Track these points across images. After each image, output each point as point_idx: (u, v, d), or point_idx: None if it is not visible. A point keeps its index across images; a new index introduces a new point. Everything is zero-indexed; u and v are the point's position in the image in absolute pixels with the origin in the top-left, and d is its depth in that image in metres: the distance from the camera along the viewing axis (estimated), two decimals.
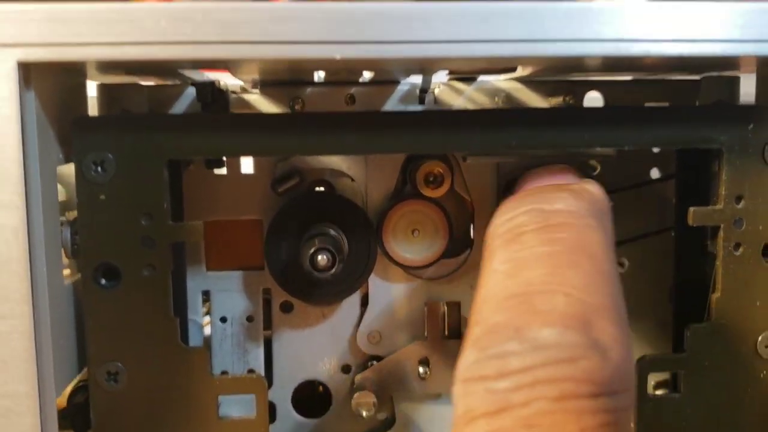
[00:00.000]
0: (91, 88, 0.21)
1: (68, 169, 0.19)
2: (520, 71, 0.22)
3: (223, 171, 0.23)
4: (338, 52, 0.16)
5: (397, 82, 0.23)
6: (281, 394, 0.23)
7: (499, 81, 0.23)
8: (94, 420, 0.19)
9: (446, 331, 0.23)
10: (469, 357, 0.15)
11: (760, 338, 0.20)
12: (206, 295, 0.23)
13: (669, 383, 0.23)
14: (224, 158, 0.22)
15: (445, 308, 0.23)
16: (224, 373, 0.23)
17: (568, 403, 0.13)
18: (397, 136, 0.19)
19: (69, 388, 0.20)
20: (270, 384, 0.23)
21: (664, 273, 0.23)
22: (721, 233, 0.20)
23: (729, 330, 0.20)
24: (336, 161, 0.23)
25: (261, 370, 0.23)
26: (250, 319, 0.23)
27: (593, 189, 0.18)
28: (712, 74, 0.22)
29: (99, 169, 0.18)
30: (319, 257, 0.20)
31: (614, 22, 0.16)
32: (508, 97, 0.23)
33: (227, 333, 0.23)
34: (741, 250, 0.20)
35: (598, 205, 0.17)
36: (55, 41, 0.16)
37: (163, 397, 0.18)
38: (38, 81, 0.17)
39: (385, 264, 0.23)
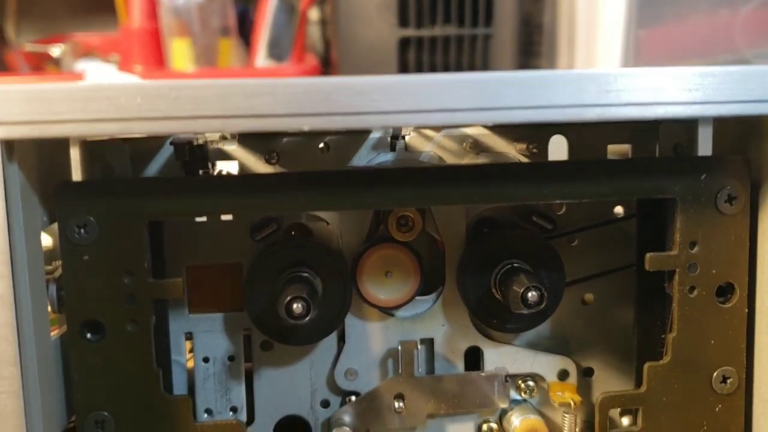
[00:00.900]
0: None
1: (52, 233, 0.19)
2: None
3: (203, 218, 0.23)
4: (306, 124, 0.17)
5: (369, 132, 0.23)
6: (263, 430, 0.24)
7: (468, 129, 0.24)
8: None
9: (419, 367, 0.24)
10: None
11: (714, 375, 0.21)
12: (189, 335, 0.24)
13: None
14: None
15: (419, 345, 0.24)
16: (208, 410, 0.23)
17: None
18: (367, 193, 0.20)
19: None
20: (252, 420, 0.24)
21: (629, 308, 0.24)
22: (676, 277, 0.21)
23: (685, 367, 0.21)
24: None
25: (243, 407, 0.24)
26: (231, 358, 0.24)
27: None
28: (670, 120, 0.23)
29: (82, 231, 0.19)
30: (294, 305, 0.20)
31: (568, 90, 0.17)
32: (476, 143, 0.24)
33: (210, 372, 0.24)
34: (695, 292, 0.21)
35: None
36: (36, 119, 0.16)
37: None
38: (21, 154, 0.17)
39: (361, 304, 0.23)
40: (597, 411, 0.21)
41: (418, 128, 0.21)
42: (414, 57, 0.69)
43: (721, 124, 0.22)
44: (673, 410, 0.21)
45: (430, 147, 0.24)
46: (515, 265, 0.22)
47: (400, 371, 0.23)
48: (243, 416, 0.24)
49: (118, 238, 0.18)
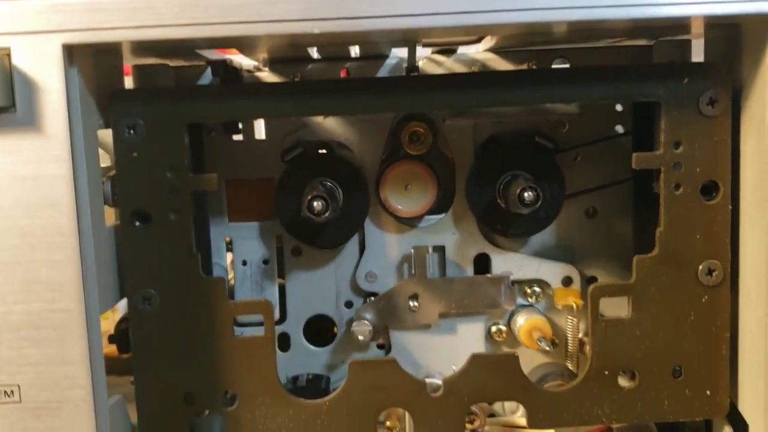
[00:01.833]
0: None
1: (107, 135, 0.22)
2: (489, 41, 0.24)
3: (240, 137, 0.26)
4: (317, 28, 0.19)
5: (386, 57, 0.26)
6: (294, 327, 0.27)
7: (476, 53, 0.26)
8: (132, 338, 0.22)
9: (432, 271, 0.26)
10: None
11: (700, 267, 0.23)
12: (229, 245, 0.27)
13: None
14: (240, 125, 0.25)
15: (430, 251, 0.26)
16: None
17: None
18: (383, 97, 0.22)
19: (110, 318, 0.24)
20: (284, 319, 0.27)
21: (630, 220, 0.25)
22: (662, 176, 0.22)
23: (672, 260, 0.22)
24: (335, 132, 0.26)
25: (276, 306, 0.26)
26: (266, 262, 0.26)
27: None
28: (664, 39, 0.25)
29: (132, 132, 0.21)
30: (315, 203, 0.23)
31: None
32: (483, 66, 0.26)
33: (247, 275, 0.26)
34: (681, 190, 0.22)
35: None
36: (91, 27, 0.19)
37: (188, 317, 0.22)
38: (80, 60, 0.20)
39: (379, 215, 0.26)
40: (588, 298, 0.22)
41: (414, 32, 0.23)
42: None
43: (709, 40, 0.23)
44: (661, 300, 0.22)
45: (442, 71, 0.26)
46: (520, 174, 0.24)
47: (414, 272, 0.26)
48: (276, 315, 0.26)
49: (162, 138, 0.21)
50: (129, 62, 0.24)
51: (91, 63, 0.21)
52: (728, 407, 0.23)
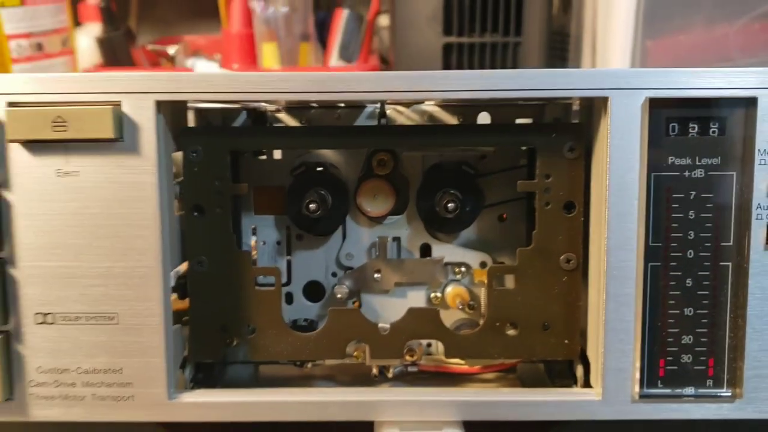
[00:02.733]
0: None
1: (178, 156, 0.33)
2: (431, 102, 0.35)
3: (264, 158, 0.37)
4: (314, 97, 0.30)
5: (364, 107, 0.36)
6: (296, 288, 0.37)
7: (425, 106, 0.36)
8: (189, 288, 0.33)
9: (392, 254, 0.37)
10: None
11: (561, 257, 0.32)
12: (254, 231, 0.37)
13: None
14: (263, 150, 0.36)
15: (390, 240, 0.36)
16: None
17: None
18: (363, 137, 0.33)
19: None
20: (289, 282, 0.38)
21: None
22: (537, 196, 0.32)
23: (543, 252, 0.32)
24: (328, 157, 0.37)
25: (284, 273, 0.37)
26: (278, 243, 0.37)
27: None
28: (555, 101, 0.35)
29: (194, 154, 0.32)
30: (311, 205, 0.33)
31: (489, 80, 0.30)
32: (431, 115, 0.36)
33: (265, 251, 0.37)
34: (549, 206, 0.32)
35: None
36: (171, 90, 0.30)
37: (226, 275, 0.33)
38: (164, 109, 0.31)
39: (356, 214, 0.36)
40: (487, 275, 0.33)
41: (388, 103, 0.34)
42: (456, 59, 0.81)
43: (582, 107, 0.34)
44: (535, 278, 0.32)
45: (403, 118, 0.36)
46: (449, 191, 0.35)
47: (378, 255, 0.36)
48: (284, 279, 0.37)
49: (213, 159, 0.32)
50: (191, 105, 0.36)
51: (170, 111, 0.32)
52: (579, 351, 0.33)
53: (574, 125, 0.32)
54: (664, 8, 0.78)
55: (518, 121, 0.36)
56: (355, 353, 0.34)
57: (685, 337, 0.31)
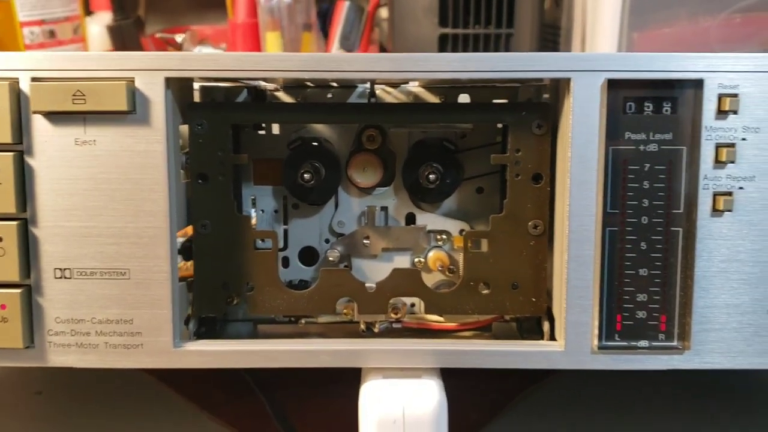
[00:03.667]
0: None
1: (184, 128, 0.36)
2: (416, 83, 0.38)
3: (263, 132, 0.40)
4: (308, 75, 0.33)
5: (356, 87, 0.39)
6: (292, 253, 0.40)
7: (411, 87, 0.39)
8: (194, 249, 0.36)
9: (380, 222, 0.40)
10: None
11: (530, 223, 0.35)
12: (254, 201, 0.41)
13: None
14: (262, 124, 0.39)
15: (378, 209, 0.40)
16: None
17: None
18: (353, 114, 0.36)
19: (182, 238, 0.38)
20: (286, 247, 0.41)
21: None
22: (508, 169, 0.35)
23: (513, 218, 0.35)
24: (322, 132, 0.40)
25: (281, 238, 0.40)
26: (276, 211, 0.40)
27: None
28: (528, 84, 0.38)
29: (199, 127, 0.35)
30: (306, 175, 0.37)
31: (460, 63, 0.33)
32: (416, 95, 0.39)
33: (264, 218, 0.40)
34: (519, 177, 0.35)
35: None
36: (180, 68, 0.33)
37: (227, 238, 0.36)
38: (172, 85, 0.33)
39: (347, 185, 0.39)
40: (463, 239, 0.36)
41: (377, 83, 0.37)
42: (451, 50, 0.84)
43: (551, 86, 0.37)
44: (506, 242, 0.35)
45: (390, 98, 0.39)
46: (432, 165, 0.38)
47: (367, 223, 0.40)
48: (280, 245, 0.40)
49: (217, 131, 0.35)
50: (197, 83, 0.39)
51: (178, 87, 0.35)
52: (545, 309, 0.36)
53: (542, 104, 0.35)
54: (650, 1, 0.81)
55: (494, 101, 0.39)
56: (345, 311, 0.37)
57: (640, 295, 0.34)
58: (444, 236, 0.40)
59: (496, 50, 0.84)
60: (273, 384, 0.43)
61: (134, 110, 0.32)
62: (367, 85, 0.39)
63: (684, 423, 0.40)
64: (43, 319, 0.34)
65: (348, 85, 0.39)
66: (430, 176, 0.36)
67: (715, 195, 0.33)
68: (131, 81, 0.32)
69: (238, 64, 0.33)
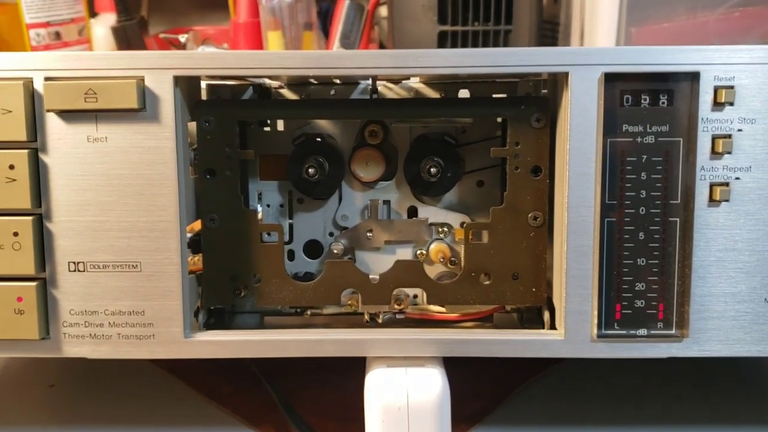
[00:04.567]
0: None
1: (192, 125, 0.37)
2: (416, 79, 0.39)
3: (268, 129, 0.41)
4: (311, 72, 0.34)
5: (358, 83, 0.40)
6: (297, 246, 0.41)
7: (412, 83, 0.40)
8: (202, 242, 0.37)
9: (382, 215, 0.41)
10: None
11: (530, 215, 0.36)
12: (260, 196, 0.41)
13: None
14: (267, 121, 0.40)
15: (381, 203, 0.40)
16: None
17: None
18: (356, 109, 0.37)
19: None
20: (291, 241, 0.41)
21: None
22: (508, 162, 0.36)
23: (513, 210, 0.36)
24: (326, 128, 0.40)
25: (287, 232, 0.41)
26: (281, 206, 0.41)
27: None
28: (527, 78, 0.39)
29: (207, 124, 0.36)
30: (310, 170, 0.37)
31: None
32: (417, 91, 0.40)
33: (270, 212, 0.41)
34: (519, 170, 0.36)
35: None
36: (188, 67, 0.34)
37: (235, 231, 0.36)
38: (181, 83, 0.34)
39: (350, 180, 0.40)
40: (464, 231, 0.37)
41: (378, 80, 0.38)
42: (450, 47, 0.85)
43: (549, 81, 0.37)
44: (506, 234, 0.36)
45: (392, 94, 0.40)
46: (433, 159, 0.38)
47: (370, 216, 0.40)
48: (286, 238, 0.41)
49: (223, 127, 0.36)
50: (204, 81, 0.39)
51: (186, 85, 0.35)
52: (545, 299, 0.37)
53: (540, 98, 0.36)
54: None
55: (493, 96, 0.39)
56: (349, 302, 0.38)
57: (638, 284, 0.35)
58: (445, 229, 0.41)
59: (495, 47, 0.85)
60: (279, 374, 0.44)
61: (144, 108, 0.33)
62: (369, 81, 0.40)
63: (684, 411, 0.41)
64: (57, 311, 0.35)
65: (350, 82, 0.40)
66: (432, 170, 0.37)
67: (712, 185, 0.34)
68: (141, 79, 0.33)
69: (244, 63, 0.34)
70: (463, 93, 0.40)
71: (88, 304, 0.35)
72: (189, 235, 0.37)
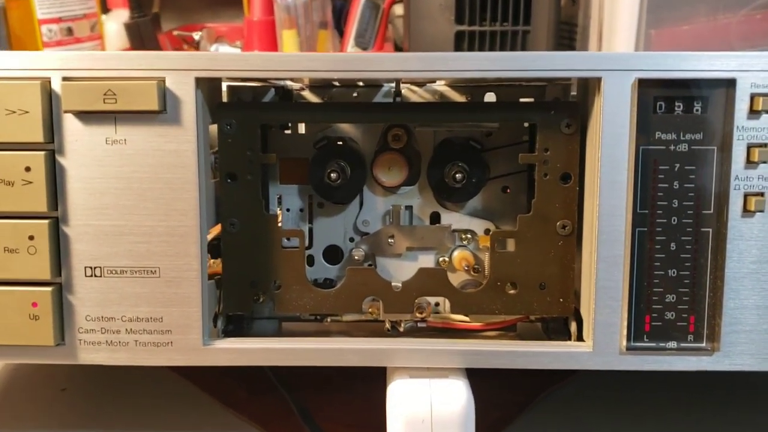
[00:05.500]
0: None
1: (213, 128, 0.36)
2: (441, 82, 0.38)
3: (289, 132, 0.40)
4: (336, 75, 0.33)
5: (381, 86, 0.39)
6: (317, 252, 0.40)
7: (437, 86, 0.39)
8: (222, 247, 0.36)
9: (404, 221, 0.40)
10: None
11: (558, 223, 0.35)
12: (279, 200, 0.40)
13: None
14: (289, 124, 0.39)
15: (403, 208, 0.39)
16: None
17: None
18: (379, 113, 0.36)
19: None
20: (311, 246, 0.41)
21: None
22: (536, 168, 0.35)
23: (541, 218, 0.35)
24: (348, 131, 0.39)
25: (306, 237, 0.40)
26: (302, 210, 0.40)
27: None
28: (556, 82, 0.38)
29: (228, 127, 0.35)
30: (332, 175, 0.37)
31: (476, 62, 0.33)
32: (441, 94, 0.39)
33: (290, 217, 0.40)
34: (548, 177, 0.35)
35: None
36: (209, 68, 0.33)
37: (255, 236, 0.36)
38: (202, 85, 0.33)
39: (372, 184, 0.39)
40: (490, 239, 0.36)
41: (403, 82, 0.37)
42: (467, 47, 0.84)
43: (579, 86, 0.36)
44: (534, 242, 0.35)
45: (416, 97, 0.39)
46: (458, 164, 0.38)
47: (392, 222, 0.39)
48: (306, 243, 0.40)
49: (245, 131, 0.35)
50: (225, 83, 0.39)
51: (207, 87, 0.35)
52: (573, 309, 0.36)
53: (571, 103, 0.35)
54: None
55: (521, 100, 0.38)
56: (370, 309, 0.37)
57: (669, 296, 0.34)
58: (469, 235, 0.40)
59: (513, 47, 0.84)
60: (296, 381, 0.43)
61: (165, 110, 0.32)
62: (393, 84, 0.39)
63: (710, 424, 0.40)
64: (73, 317, 0.34)
65: (374, 84, 0.39)
66: (457, 175, 0.36)
67: (746, 195, 0.33)
68: (162, 81, 0.33)
69: (268, 64, 0.33)
70: (489, 96, 0.39)
71: (104, 310, 0.34)
72: (209, 237, 0.36)
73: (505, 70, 0.33)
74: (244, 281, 0.36)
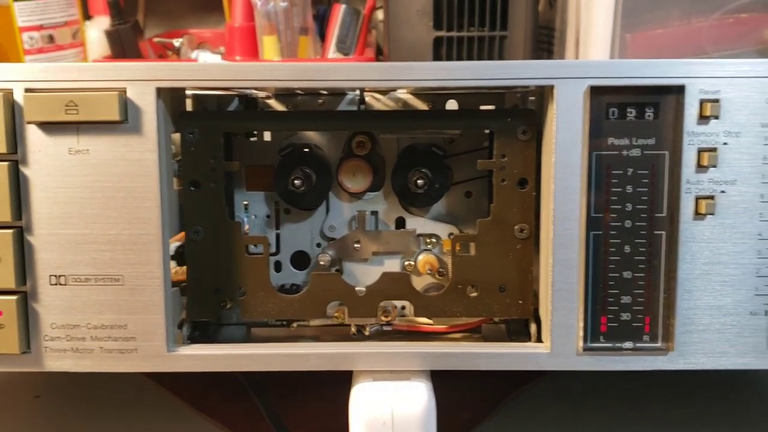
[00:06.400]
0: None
1: (177, 136, 0.37)
2: (404, 90, 0.39)
3: (255, 139, 0.40)
4: (297, 84, 0.33)
5: (345, 94, 0.40)
6: (284, 257, 0.41)
7: (399, 94, 0.40)
8: (186, 255, 0.36)
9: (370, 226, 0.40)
10: None
11: (516, 227, 0.36)
12: (246, 207, 0.41)
13: None
14: (254, 132, 0.40)
15: (369, 214, 0.40)
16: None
17: None
18: (343, 121, 0.37)
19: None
20: (278, 252, 0.41)
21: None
22: (494, 174, 0.36)
23: (500, 222, 0.36)
24: (313, 138, 0.40)
25: (274, 244, 0.41)
26: (268, 216, 0.41)
27: None
28: (513, 90, 0.39)
29: (191, 135, 0.36)
30: (296, 181, 0.37)
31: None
32: (404, 102, 0.40)
33: (257, 223, 0.41)
34: (505, 182, 0.36)
35: None
36: (171, 78, 0.34)
37: (219, 243, 0.36)
38: (163, 95, 0.34)
39: (338, 190, 0.40)
40: (451, 243, 0.36)
41: (366, 91, 0.38)
42: (445, 53, 0.85)
43: (536, 93, 0.37)
44: (493, 246, 0.36)
45: (380, 105, 0.40)
46: (421, 170, 0.38)
47: (358, 227, 0.40)
48: (272, 249, 0.41)
49: (208, 139, 0.35)
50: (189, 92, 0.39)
51: (170, 97, 0.35)
52: (532, 311, 0.37)
53: (527, 111, 0.36)
54: (642, 3, 0.81)
55: (481, 107, 0.39)
56: (336, 314, 0.38)
57: (624, 297, 0.34)
58: (433, 240, 0.40)
59: (491, 53, 0.85)
60: (266, 386, 0.43)
61: (126, 120, 0.33)
62: (357, 92, 0.39)
63: (677, 419, 0.41)
64: (39, 325, 0.35)
65: (338, 93, 0.40)
66: (419, 181, 0.37)
67: (698, 198, 0.33)
68: (123, 91, 0.33)
69: (229, 75, 0.33)
70: (451, 104, 0.39)
71: (69, 318, 0.35)
72: (174, 244, 0.37)
73: (461, 80, 0.33)
74: (209, 288, 0.36)
